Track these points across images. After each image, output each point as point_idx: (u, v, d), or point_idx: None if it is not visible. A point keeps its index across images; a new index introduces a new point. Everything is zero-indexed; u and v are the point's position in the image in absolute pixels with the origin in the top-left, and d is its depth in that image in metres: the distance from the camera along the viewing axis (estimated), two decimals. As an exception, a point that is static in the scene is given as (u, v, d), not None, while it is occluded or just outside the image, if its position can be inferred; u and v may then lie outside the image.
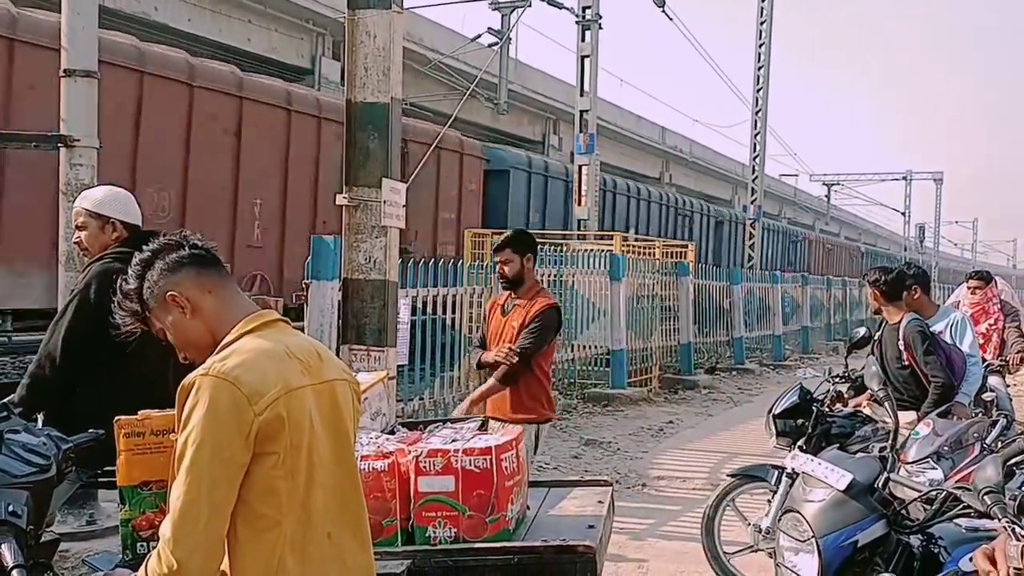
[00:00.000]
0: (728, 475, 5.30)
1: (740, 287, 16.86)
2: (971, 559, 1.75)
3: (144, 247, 2.04)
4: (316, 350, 2.03)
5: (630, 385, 11.95)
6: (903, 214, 50.55)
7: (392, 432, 3.26)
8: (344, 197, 5.06)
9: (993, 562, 1.64)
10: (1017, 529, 1.73)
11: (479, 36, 21.61)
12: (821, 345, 21.58)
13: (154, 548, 1.81)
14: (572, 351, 11.80)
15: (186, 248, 2.01)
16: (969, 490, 2.12)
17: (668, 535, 6.01)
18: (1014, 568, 1.59)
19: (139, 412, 2.46)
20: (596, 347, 12.00)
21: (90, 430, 2.54)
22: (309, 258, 6.42)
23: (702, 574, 5.07)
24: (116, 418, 2.43)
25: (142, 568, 1.80)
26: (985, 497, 1.84)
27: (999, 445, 3.66)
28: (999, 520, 1.78)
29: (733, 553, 4.93)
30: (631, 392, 11.67)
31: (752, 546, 4.70)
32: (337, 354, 5.37)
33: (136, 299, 1.98)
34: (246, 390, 1.79)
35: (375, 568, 2.07)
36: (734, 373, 15.52)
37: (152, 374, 3.12)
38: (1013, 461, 3.77)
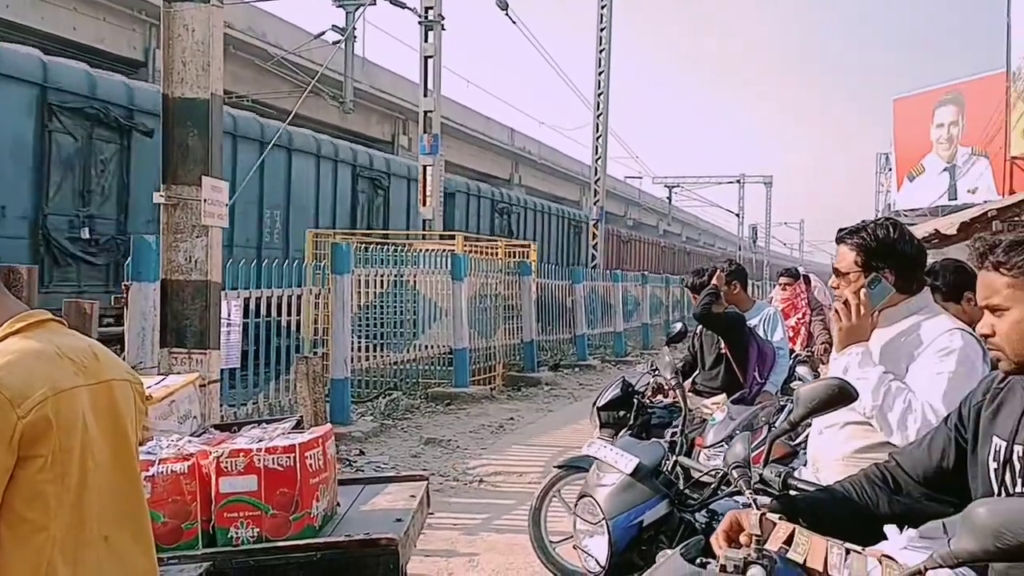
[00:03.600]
0: (554, 467, 5.45)
1: (582, 286, 17.33)
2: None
3: None
4: (92, 350, 1.97)
5: (473, 383, 12.08)
6: (737, 215, 53.30)
7: (201, 434, 3.20)
8: (161, 195, 4.91)
9: (740, 529, 1.79)
10: (757, 499, 1.90)
11: (323, 33, 21.27)
12: (660, 340, 22.45)
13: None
14: (415, 351, 11.83)
15: None
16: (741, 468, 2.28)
17: (500, 528, 6.13)
18: (754, 535, 1.75)
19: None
20: (439, 346, 12.07)
21: None
22: (129, 259, 6.16)
23: (530, 564, 5.20)
24: None
25: None
26: (733, 471, 2.00)
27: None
28: (745, 492, 1.95)
29: (558, 542, 5.07)
30: (474, 390, 11.80)
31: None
32: (158, 358, 5.21)
33: None
34: (8, 393, 1.72)
35: (158, 572, 2.03)
36: (577, 369, 15.94)
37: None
38: (795, 442, 4.09)
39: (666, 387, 5.74)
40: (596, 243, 22.62)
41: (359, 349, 10.76)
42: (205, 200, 4.92)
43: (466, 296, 11.97)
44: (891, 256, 2.66)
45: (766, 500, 1.95)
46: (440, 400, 11.25)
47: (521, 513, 6.31)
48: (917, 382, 2.53)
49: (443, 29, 15.83)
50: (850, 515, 1.90)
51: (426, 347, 11.98)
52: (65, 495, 1.79)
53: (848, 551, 1.59)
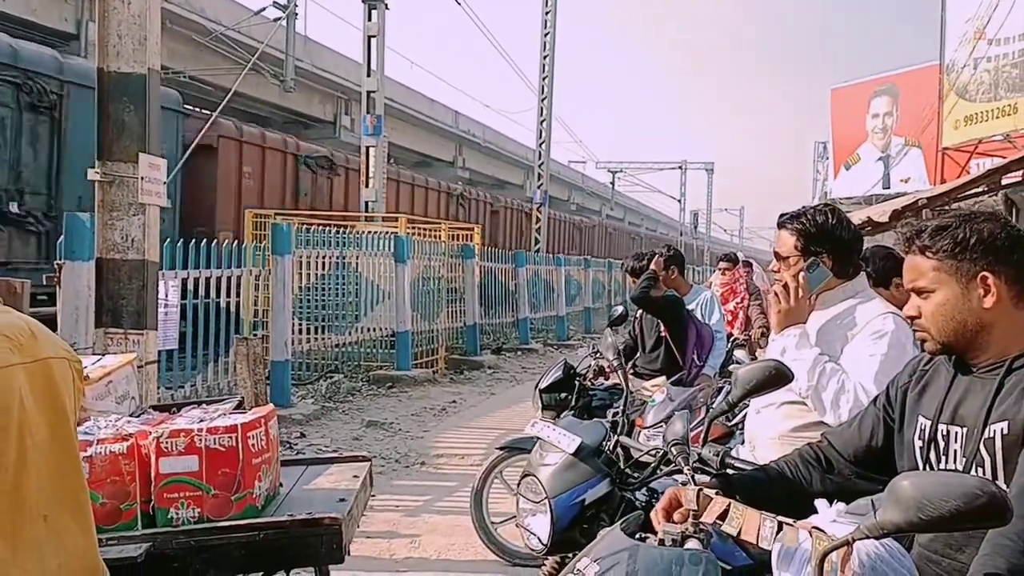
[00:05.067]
0: (496, 448, 5.49)
1: (525, 269, 17.39)
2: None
3: None
4: (29, 327, 1.94)
5: (415, 366, 12.06)
6: (679, 201, 53.94)
7: (140, 415, 3.15)
8: (97, 172, 4.80)
9: (678, 504, 1.84)
10: (696, 476, 1.95)
11: (263, 9, 20.89)
12: (603, 324, 22.63)
13: None
14: (357, 333, 11.77)
15: None
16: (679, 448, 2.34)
17: (442, 510, 6.16)
18: (691, 510, 1.80)
19: None
20: (381, 329, 12.01)
21: None
22: (61, 237, 6.01)
23: (472, 545, 5.24)
24: None
25: None
26: (672, 448, 2.06)
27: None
28: (683, 468, 2.00)
29: (500, 523, 5.12)
30: (416, 373, 11.79)
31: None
32: (93, 339, 5.10)
33: None
34: (-58, 370, 1.69)
35: (98, 551, 2.01)
36: (519, 353, 16.02)
37: None
38: (732, 422, 4.20)
39: (608, 369, 5.83)
40: (539, 227, 22.70)
41: (300, 331, 10.66)
42: (142, 178, 4.82)
43: (409, 279, 11.93)
44: (829, 241, 2.74)
45: (704, 478, 2.00)
46: (382, 383, 11.21)
47: (463, 494, 6.34)
48: (850, 363, 2.62)
49: (387, 8, 15.67)
50: (784, 493, 1.97)
51: (368, 330, 11.92)
52: (2, 474, 1.77)
53: (780, 524, 1.65)
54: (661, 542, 1.78)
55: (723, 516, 1.74)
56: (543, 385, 5.67)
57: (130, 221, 4.83)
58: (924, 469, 1.79)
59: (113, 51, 4.78)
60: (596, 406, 5.54)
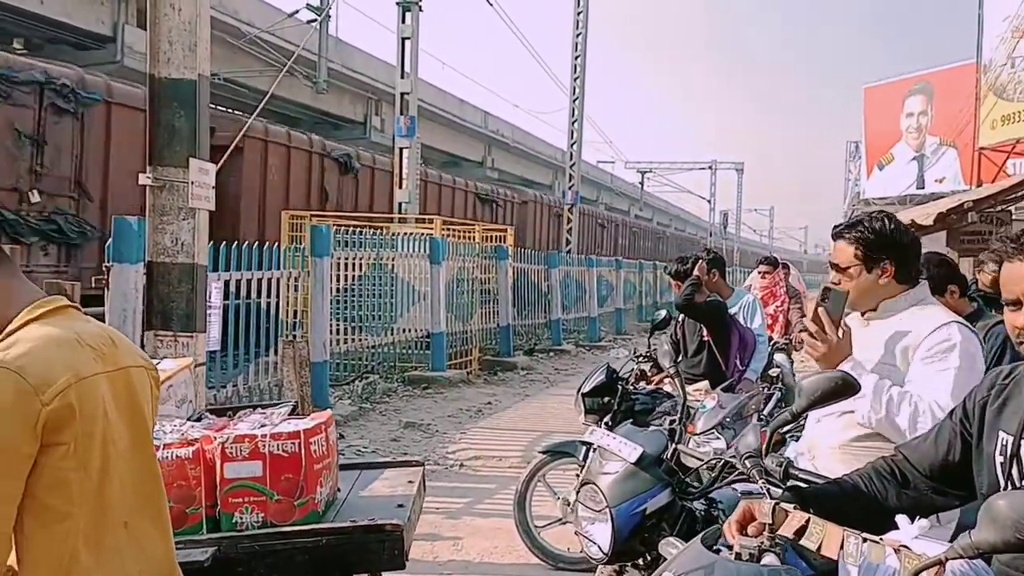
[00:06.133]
0: (539, 452, 5.49)
1: (557, 270, 17.38)
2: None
3: None
4: (110, 336, 1.97)
5: (450, 367, 12.10)
6: (708, 201, 53.65)
7: (199, 419, 3.19)
8: (148, 177, 4.86)
9: (752, 518, 1.83)
10: (771, 489, 1.94)
11: (297, 12, 21.03)
12: (634, 326, 22.62)
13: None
14: (392, 334, 11.82)
15: None
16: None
17: (483, 513, 6.18)
18: (767, 523, 1.79)
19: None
20: (416, 330, 12.07)
21: None
22: (110, 240, 6.10)
23: (515, 548, 5.25)
24: None
25: (-84, 568, 1.70)
26: (746, 461, 2.05)
27: (775, 415, 4.03)
28: (757, 481, 2.00)
29: (543, 526, 5.13)
30: (451, 374, 11.83)
31: (561, 519, 4.90)
32: (142, 341, 5.17)
33: None
34: (32, 380, 1.72)
35: (175, 556, 2.05)
36: (552, 354, 16.01)
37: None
38: (784, 430, 4.16)
39: (650, 374, 5.82)
40: (571, 227, 22.66)
41: (337, 332, 10.73)
42: (192, 182, 4.88)
43: (444, 280, 11.97)
44: (890, 248, 2.71)
45: (776, 490, 1.99)
46: (417, 384, 11.26)
47: (503, 497, 6.36)
48: (921, 380, 2.56)
49: (420, 10, 15.73)
50: (859, 507, 1.95)
51: (403, 331, 11.97)
52: (87, 482, 1.80)
53: (864, 539, 1.64)
54: (738, 556, 1.78)
55: (800, 532, 1.73)
56: (586, 389, 5.66)
57: (180, 225, 4.89)
58: (1006, 485, 1.77)
59: (164, 57, 4.84)
60: (639, 410, 5.53)
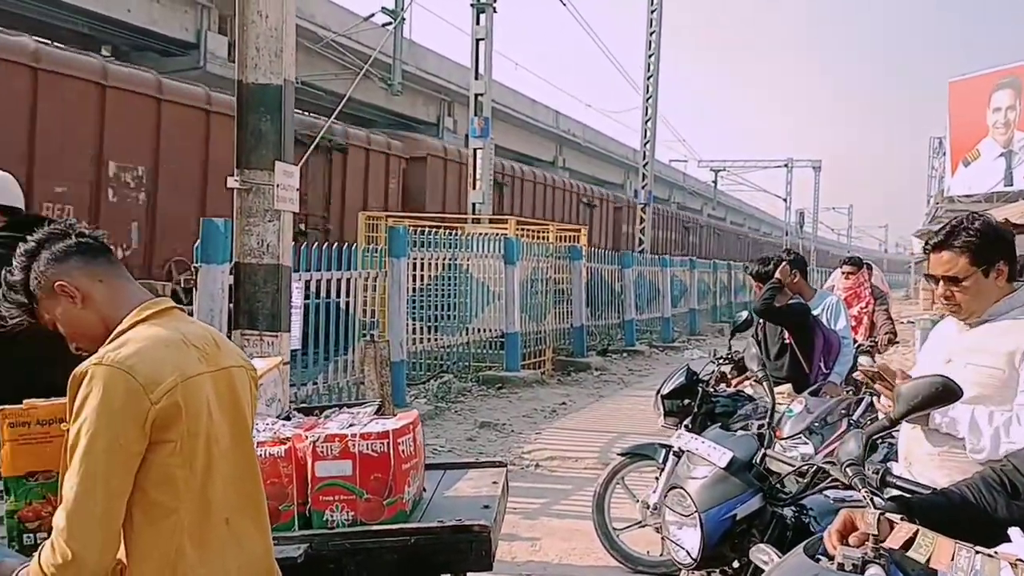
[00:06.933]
0: (618, 454, 5.46)
1: (631, 271, 17.26)
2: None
3: (28, 237, 1.99)
4: (213, 337, 2.03)
5: (524, 367, 12.12)
6: (784, 200, 52.64)
7: (288, 418, 3.26)
8: (236, 180, 4.98)
9: (853, 527, 1.79)
10: (875, 499, 1.89)
11: (372, 15, 21.32)
12: (708, 326, 22.32)
13: (45, 539, 1.79)
14: (467, 334, 11.89)
15: (73, 237, 1.97)
16: (835, 463, 2.28)
17: (560, 514, 6.16)
18: (871, 534, 1.75)
19: (24, 401, 2.39)
20: (490, 330, 12.11)
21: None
22: (198, 242, 6.27)
23: (593, 550, 5.22)
24: (0, 407, 2.36)
25: (34, 559, 1.77)
26: (847, 469, 1.99)
27: (865, 420, 3.92)
28: (859, 491, 1.94)
29: (622, 529, 5.09)
30: (525, 374, 11.84)
31: (640, 522, 4.86)
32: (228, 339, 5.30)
33: (22, 290, 1.94)
34: (141, 379, 1.78)
35: (273, 552, 2.09)
36: (625, 355, 15.90)
37: (39, 362, 3.01)
38: (877, 436, 4.06)
39: (730, 377, 5.73)
40: (643, 227, 22.49)
41: (412, 332, 10.84)
42: (278, 185, 4.98)
43: (518, 280, 12.00)
44: (1000, 247, 2.62)
45: (879, 500, 1.94)
46: (492, 383, 11.30)
47: (579, 498, 6.34)
48: None
49: (495, 11, 15.79)
50: (967, 519, 1.88)
51: (478, 330, 12.03)
52: (192, 479, 1.85)
53: (977, 552, 1.59)
54: (840, 567, 1.73)
55: (909, 543, 1.68)
56: (665, 391, 5.60)
57: (265, 227, 5.00)
58: None
59: (251, 63, 4.95)
60: (719, 413, 5.45)
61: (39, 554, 1.76)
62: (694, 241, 34.91)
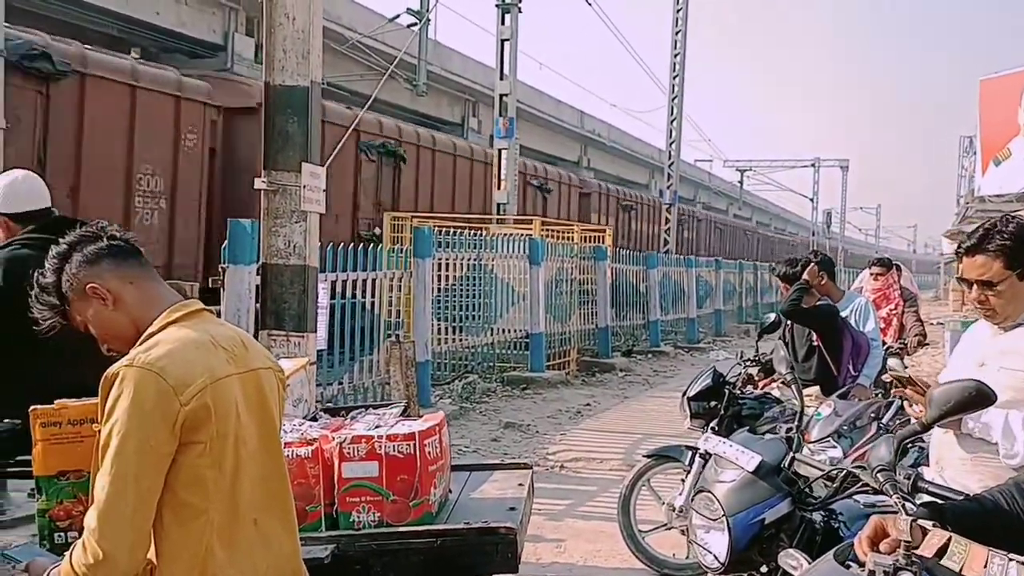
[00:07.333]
0: (644, 456, 5.44)
1: (656, 271, 17.19)
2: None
3: (60, 239, 2.01)
4: (241, 339, 2.04)
5: (548, 368, 12.10)
6: (811, 200, 52.20)
7: (315, 418, 3.28)
8: (263, 181, 5.00)
9: (884, 534, 1.76)
10: (907, 504, 1.87)
11: (397, 16, 21.38)
12: (733, 327, 22.19)
13: (76, 538, 1.81)
14: (491, 335, 11.89)
15: (104, 239, 1.99)
16: (866, 468, 2.25)
17: (585, 515, 6.15)
18: (903, 541, 1.72)
19: (55, 401, 2.42)
20: (515, 330, 12.10)
21: (5, 420, 2.49)
22: (225, 243, 6.32)
23: (618, 552, 5.21)
24: (32, 407, 2.39)
25: (65, 559, 1.79)
26: (879, 475, 1.97)
27: (894, 424, 3.88)
28: (891, 496, 1.92)
29: (648, 531, 5.07)
30: (549, 375, 11.82)
31: (666, 524, 4.84)
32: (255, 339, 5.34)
33: (54, 292, 1.96)
34: (172, 380, 1.79)
35: (300, 553, 2.10)
36: (650, 356, 15.84)
37: (69, 362, 3.05)
38: (908, 441, 4.01)
39: (758, 379, 5.68)
40: (668, 227, 22.39)
41: (437, 332, 10.86)
42: (304, 186, 5.00)
43: (543, 280, 11.98)
44: None
45: (911, 506, 1.92)
46: (516, 384, 11.29)
47: (604, 500, 6.32)
48: None
49: (520, 12, 15.79)
50: (1000, 525, 1.86)
51: (502, 331, 12.02)
52: (221, 480, 1.87)
53: (1011, 559, 1.56)
54: (871, 574, 1.71)
55: (942, 550, 1.66)
56: (691, 393, 5.56)
57: (292, 228, 5.02)
58: None
59: (279, 65, 4.98)
60: (746, 415, 5.41)
61: (70, 553, 1.78)
62: (718, 241, 34.71)
